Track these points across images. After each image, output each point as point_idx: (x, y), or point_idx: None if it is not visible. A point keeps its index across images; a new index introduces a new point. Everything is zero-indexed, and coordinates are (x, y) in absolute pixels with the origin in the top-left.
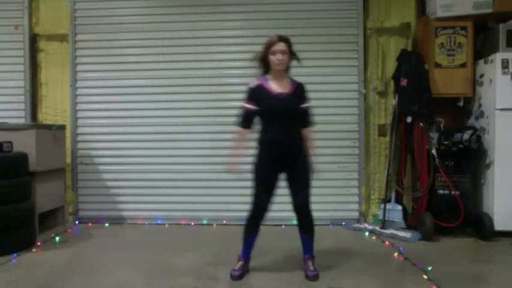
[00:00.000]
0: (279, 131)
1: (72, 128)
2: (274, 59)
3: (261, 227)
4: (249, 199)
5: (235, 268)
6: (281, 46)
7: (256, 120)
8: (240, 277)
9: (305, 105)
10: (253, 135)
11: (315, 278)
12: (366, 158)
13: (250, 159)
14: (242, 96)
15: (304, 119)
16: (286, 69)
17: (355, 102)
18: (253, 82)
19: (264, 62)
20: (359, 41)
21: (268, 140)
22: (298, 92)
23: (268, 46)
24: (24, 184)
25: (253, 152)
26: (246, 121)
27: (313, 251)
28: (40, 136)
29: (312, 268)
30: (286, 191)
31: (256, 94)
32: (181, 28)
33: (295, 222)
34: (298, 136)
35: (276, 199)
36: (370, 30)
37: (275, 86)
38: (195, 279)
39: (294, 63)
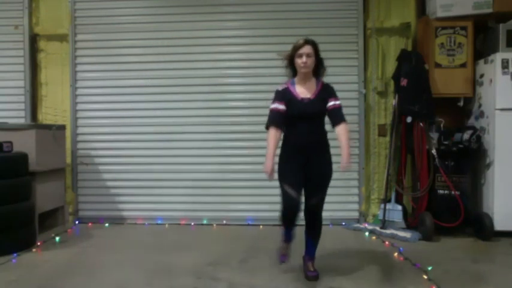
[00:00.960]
0: (303, 134)
1: (72, 128)
2: (300, 61)
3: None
4: (250, 200)
5: (283, 252)
6: (307, 49)
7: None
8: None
9: (332, 103)
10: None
11: (314, 278)
12: (366, 158)
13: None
14: (245, 96)
15: (334, 117)
16: (315, 73)
17: (355, 102)
18: (281, 86)
19: (291, 66)
20: (359, 41)
21: (292, 143)
22: (324, 93)
23: (295, 49)
24: (24, 184)
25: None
26: (276, 121)
27: (315, 252)
28: (40, 136)
29: (312, 269)
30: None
31: (284, 96)
32: (181, 28)
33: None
34: (322, 139)
35: (275, 200)
36: (370, 30)
37: (300, 91)
38: (195, 279)
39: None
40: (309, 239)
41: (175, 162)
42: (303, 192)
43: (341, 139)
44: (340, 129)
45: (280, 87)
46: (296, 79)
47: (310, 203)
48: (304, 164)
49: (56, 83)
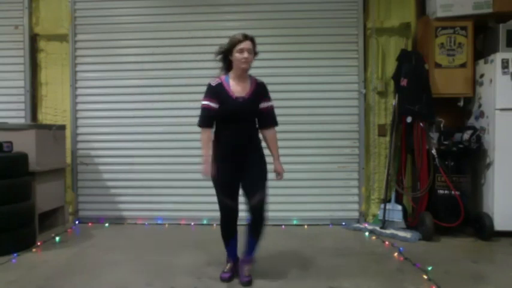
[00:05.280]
0: (235, 134)
1: (72, 128)
2: (241, 57)
3: (237, 229)
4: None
5: (225, 270)
6: (248, 44)
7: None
8: (230, 279)
9: (265, 104)
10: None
11: (248, 284)
12: (366, 158)
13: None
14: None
15: (265, 119)
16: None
17: (355, 102)
18: (214, 80)
19: (227, 60)
20: (359, 41)
21: (223, 143)
22: (258, 93)
23: (234, 44)
24: (24, 184)
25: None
26: (209, 120)
27: (254, 254)
28: (40, 136)
29: (247, 274)
30: (283, 191)
31: (217, 93)
32: (180, 28)
33: (295, 222)
34: (254, 138)
35: (275, 200)
36: (370, 30)
37: (235, 88)
38: (195, 279)
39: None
40: (251, 237)
41: (175, 162)
42: (241, 198)
43: (271, 145)
44: (270, 133)
45: (213, 82)
46: (231, 75)
47: (252, 203)
48: (238, 164)
49: (56, 83)
